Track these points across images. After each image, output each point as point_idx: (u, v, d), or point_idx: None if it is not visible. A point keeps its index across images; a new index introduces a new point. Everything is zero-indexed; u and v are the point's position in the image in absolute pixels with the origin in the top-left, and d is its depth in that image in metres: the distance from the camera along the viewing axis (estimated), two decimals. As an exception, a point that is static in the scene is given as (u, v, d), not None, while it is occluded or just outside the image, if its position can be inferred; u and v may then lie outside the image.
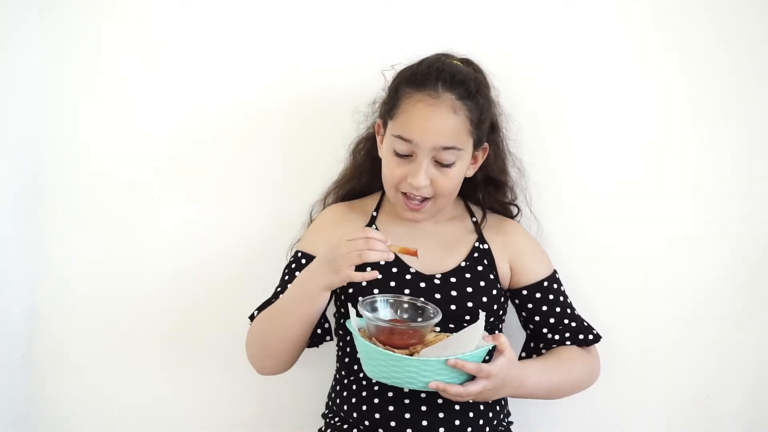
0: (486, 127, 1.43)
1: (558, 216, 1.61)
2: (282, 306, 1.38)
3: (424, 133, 1.35)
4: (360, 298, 1.32)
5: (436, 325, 1.34)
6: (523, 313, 1.49)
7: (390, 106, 1.40)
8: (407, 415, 1.33)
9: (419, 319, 1.32)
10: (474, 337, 1.26)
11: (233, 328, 1.61)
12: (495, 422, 1.40)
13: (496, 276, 1.45)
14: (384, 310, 1.33)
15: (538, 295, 1.47)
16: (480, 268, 1.44)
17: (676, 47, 1.60)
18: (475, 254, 1.46)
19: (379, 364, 1.25)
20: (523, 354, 1.50)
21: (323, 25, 1.61)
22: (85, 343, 1.65)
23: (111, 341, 1.65)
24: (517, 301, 1.49)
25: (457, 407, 1.34)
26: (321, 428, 1.46)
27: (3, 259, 1.59)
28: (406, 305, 1.34)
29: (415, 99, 1.36)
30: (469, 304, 1.39)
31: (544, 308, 1.47)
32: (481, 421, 1.36)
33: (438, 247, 1.46)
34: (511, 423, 1.48)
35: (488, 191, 1.54)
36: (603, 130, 1.62)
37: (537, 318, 1.47)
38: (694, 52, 1.60)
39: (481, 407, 1.37)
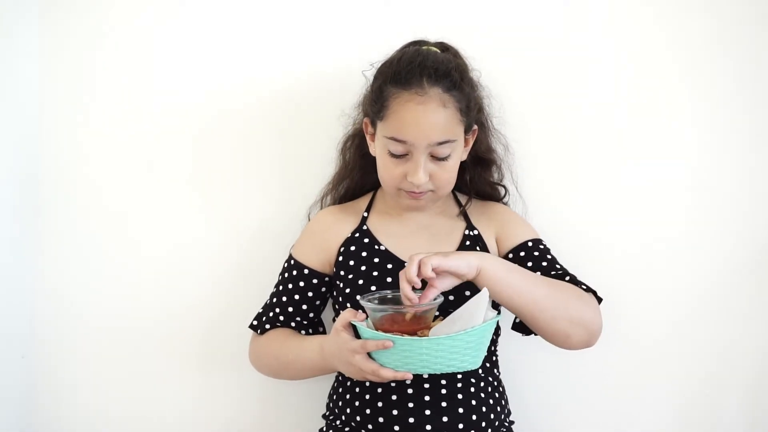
0: (474, 112, 1.42)
1: (545, 198, 1.61)
2: (299, 363, 1.42)
3: (418, 132, 1.34)
4: (358, 297, 1.32)
5: (439, 311, 1.32)
6: None
7: (378, 107, 1.38)
8: (411, 420, 1.33)
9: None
10: (479, 308, 1.24)
11: (233, 330, 1.61)
12: (497, 423, 1.39)
13: None
14: (383, 305, 1.31)
15: (522, 253, 1.44)
16: None
17: (675, 36, 1.62)
18: (467, 242, 1.46)
19: (391, 352, 1.23)
20: (518, 320, 1.44)
21: (306, 27, 1.61)
22: (85, 343, 1.65)
23: (110, 341, 1.65)
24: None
25: (460, 410, 1.34)
26: (322, 428, 1.47)
27: (3, 258, 1.58)
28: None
29: (403, 99, 1.35)
30: (467, 293, 1.38)
31: (529, 265, 1.42)
32: (483, 423, 1.36)
33: (430, 240, 1.46)
34: (512, 422, 1.47)
35: (476, 171, 1.54)
36: (593, 110, 1.62)
37: None
38: (694, 44, 1.62)
39: (483, 409, 1.37)
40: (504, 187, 1.57)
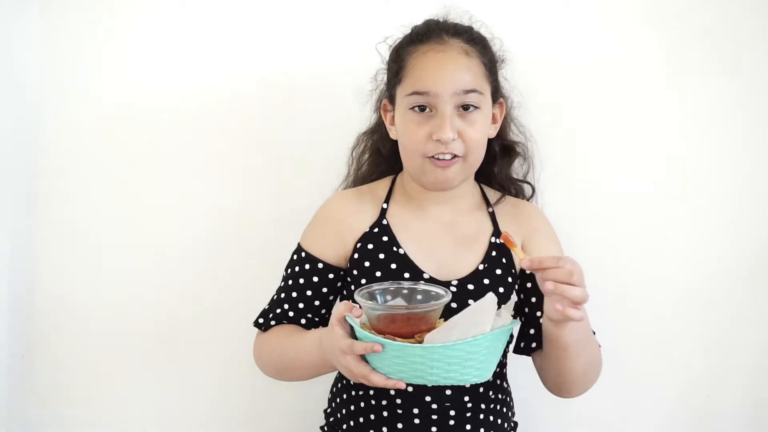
0: (497, 75, 1.35)
1: (543, 197, 1.58)
2: (301, 360, 1.30)
3: (441, 79, 1.25)
4: (356, 290, 1.19)
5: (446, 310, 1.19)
6: (521, 295, 1.36)
7: (396, 69, 1.31)
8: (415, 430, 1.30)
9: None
10: (485, 315, 1.10)
11: (233, 330, 1.60)
12: (503, 426, 1.38)
13: (514, 275, 1.35)
14: (384, 298, 1.19)
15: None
16: (499, 271, 1.33)
17: (673, 37, 1.62)
18: (493, 252, 1.34)
19: (383, 357, 1.09)
20: (522, 344, 1.38)
21: (305, 28, 1.61)
22: (85, 343, 1.65)
23: (111, 341, 1.64)
24: (518, 280, 1.36)
25: (468, 426, 1.31)
26: (323, 426, 1.46)
27: (2, 257, 1.58)
28: (405, 291, 1.20)
29: (421, 51, 1.28)
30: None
31: None
32: (491, 430, 1.34)
33: (454, 246, 1.35)
34: (516, 423, 1.46)
35: (504, 162, 1.45)
36: (593, 110, 1.63)
37: (533, 299, 1.35)
38: (693, 45, 1.62)
39: (491, 418, 1.34)
40: (530, 185, 1.49)
